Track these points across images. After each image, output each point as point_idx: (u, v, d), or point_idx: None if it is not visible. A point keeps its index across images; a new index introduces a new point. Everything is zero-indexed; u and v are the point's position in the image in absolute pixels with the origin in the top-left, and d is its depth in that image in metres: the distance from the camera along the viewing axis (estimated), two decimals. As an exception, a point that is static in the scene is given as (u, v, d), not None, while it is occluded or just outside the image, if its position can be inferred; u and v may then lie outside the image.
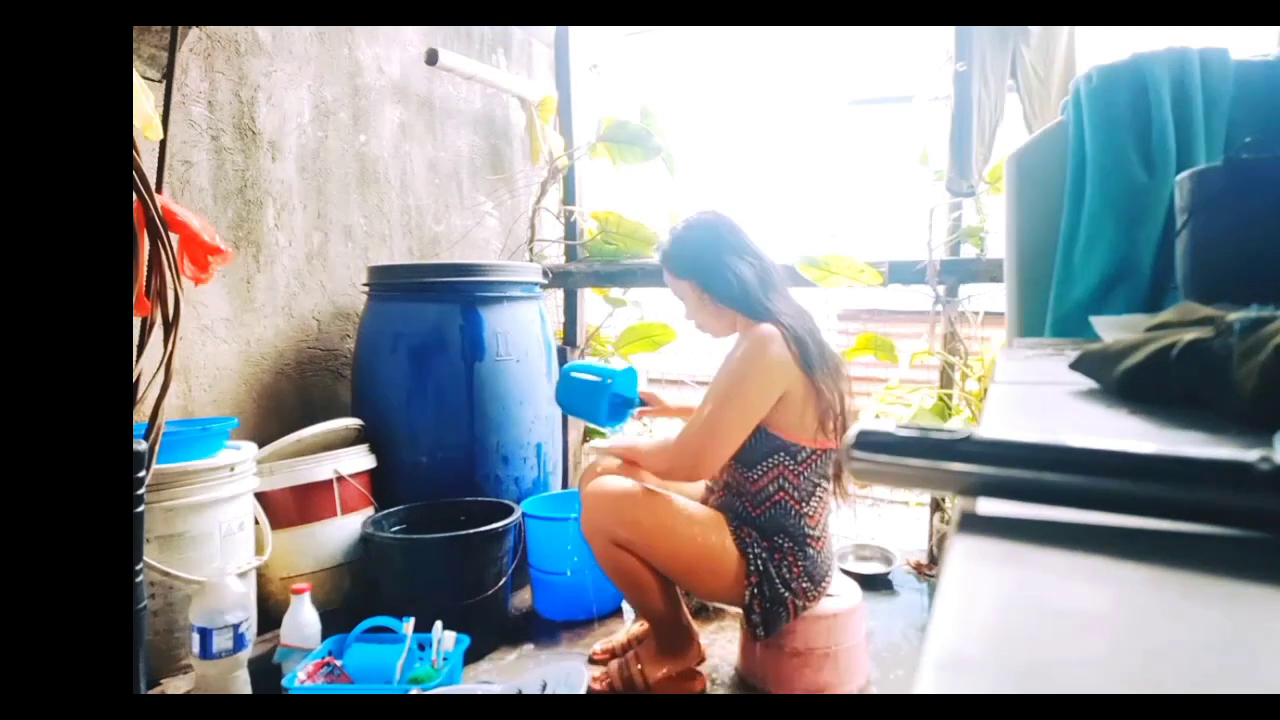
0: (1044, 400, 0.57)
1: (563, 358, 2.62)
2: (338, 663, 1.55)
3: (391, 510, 1.97)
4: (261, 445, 1.86)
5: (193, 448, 1.61)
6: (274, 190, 2.11)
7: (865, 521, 2.75)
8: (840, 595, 1.66)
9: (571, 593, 2.00)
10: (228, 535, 1.63)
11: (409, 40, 2.57)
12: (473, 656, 1.76)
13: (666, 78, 4.18)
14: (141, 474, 1.22)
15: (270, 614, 1.79)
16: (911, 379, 2.89)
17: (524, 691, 1.46)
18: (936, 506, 2.34)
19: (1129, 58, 1.22)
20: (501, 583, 1.89)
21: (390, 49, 2.50)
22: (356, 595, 1.93)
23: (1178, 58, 1.19)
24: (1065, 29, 2.24)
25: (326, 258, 2.29)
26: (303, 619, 1.61)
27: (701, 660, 1.67)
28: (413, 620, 1.61)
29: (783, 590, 1.53)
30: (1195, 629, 0.22)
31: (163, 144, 1.40)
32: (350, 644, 1.58)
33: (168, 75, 1.43)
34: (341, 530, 1.92)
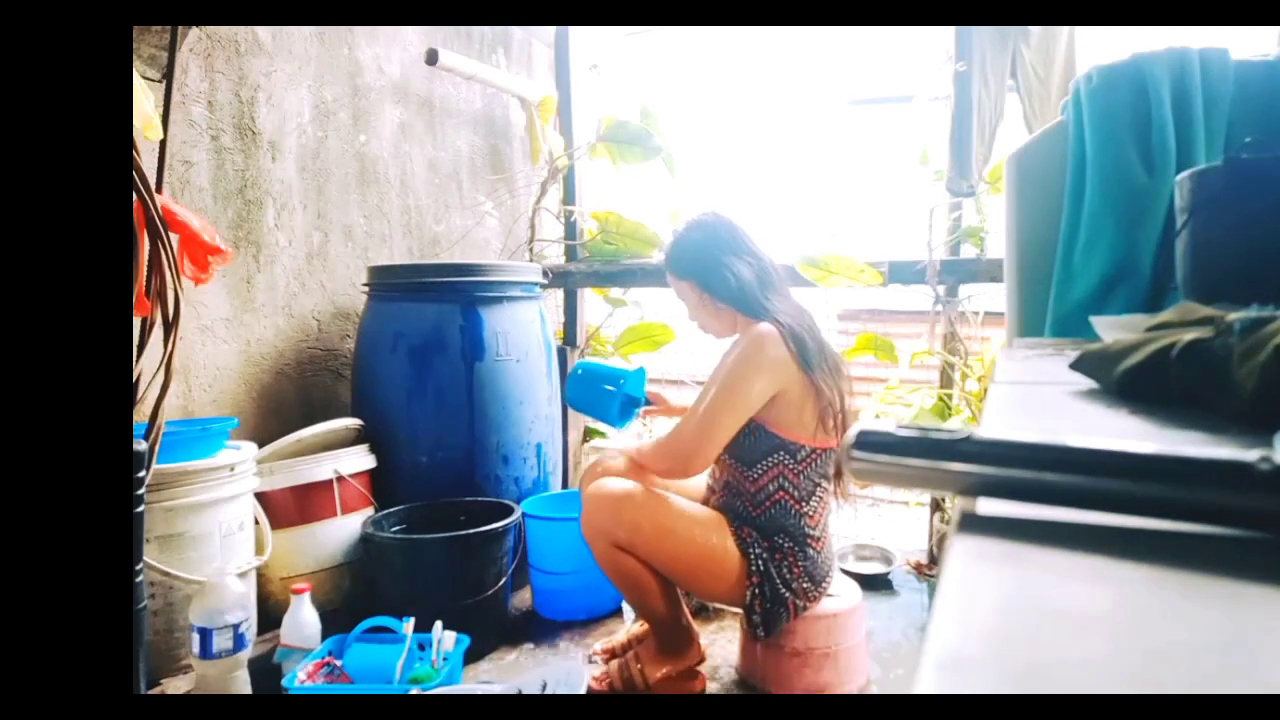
0: (1044, 400, 0.57)
1: (563, 358, 2.61)
2: (338, 663, 1.55)
3: (391, 510, 1.97)
4: (261, 445, 1.86)
5: (193, 448, 1.61)
6: (274, 190, 2.11)
7: (865, 521, 2.75)
8: (840, 595, 1.66)
9: (571, 593, 2.00)
10: (228, 535, 1.63)
11: (409, 40, 2.57)
12: (473, 656, 1.76)
13: (666, 78, 4.18)
14: (141, 474, 1.22)
15: (270, 614, 1.79)
16: (911, 379, 2.89)
17: (524, 691, 1.46)
18: (936, 506, 2.34)
19: (1129, 58, 1.22)
20: (501, 583, 1.89)
21: (390, 49, 2.50)
22: (356, 595, 1.93)
23: (1178, 58, 1.19)
24: (1065, 29, 2.24)
25: (326, 258, 2.29)
26: (303, 619, 1.61)
27: (701, 660, 1.67)
28: (413, 620, 1.61)
29: (783, 590, 1.53)
30: (1195, 629, 0.22)
31: (163, 144, 1.40)
32: (350, 644, 1.58)
33: (168, 75, 1.43)
34: (341, 530, 1.92)
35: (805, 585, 1.55)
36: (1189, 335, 0.50)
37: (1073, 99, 1.28)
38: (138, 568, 1.22)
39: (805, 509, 1.55)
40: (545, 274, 2.45)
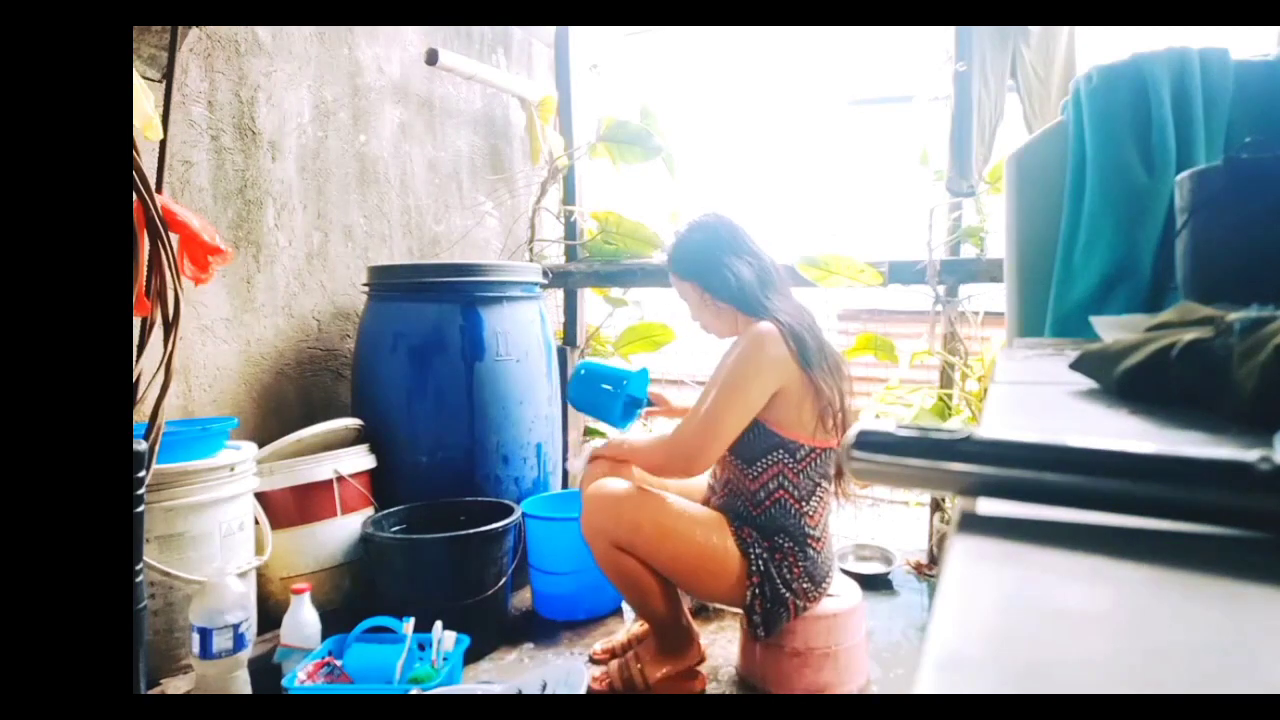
0: (1044, 400, 0.57)
1: (563, 358, 2.61)
2: (338, 663, 1.55)
3: (391, 510, 1.97)
4: (261, 445, 1.86)
5: (193, 448, 1.61)
6: (274, 190, 2.11)
7: (865, 521, 2.75)
8: (840, 595, 1.66)
9: (571, 593, 2.00)
10: (228, 535, 1.63)
11: (409, 40, 2.58)
12: (473, 656, 1.76)
13: (666, 78, 4.18)
14: (141, 474, 1.22)
15: (270, 614, 1.79)
16: (911, 379, 2.89)
17: (524, 691, 1.46)
18: (936, 506, 2.34)
19: (1129, 58, 1.22)
20: (501, 583, 1.89)
21: (390, 49, 2.50)
22: (356, 595, 1.93)
23: (1178, 58, 1.19)
24: (1065, 29, 2.24)
25: (326, 258, 2.29)
26: (303, 619, 1.61)
27: (701, 660, 1.67)
28: (413, 620, 1.61)
29: (784, 591, 1.53)
30: (1195, 629, 0.22)
31: (163, 144, 1.40)
32: (350, 644, 1.58)
33: (168, 75, 1.43)
34: (341, 530, 1.92)
35: (805, 585, 1.55)
36: (1189, 335, 0.50)
37: (1073, 99, 1.28)
38: (138, 568, 1.22)
39: (805, 508, 1.55)
40: (545, 274, 2.45)
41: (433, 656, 1.57)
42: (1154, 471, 0.30)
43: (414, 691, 1.42)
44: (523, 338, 2.17)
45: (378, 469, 2.05)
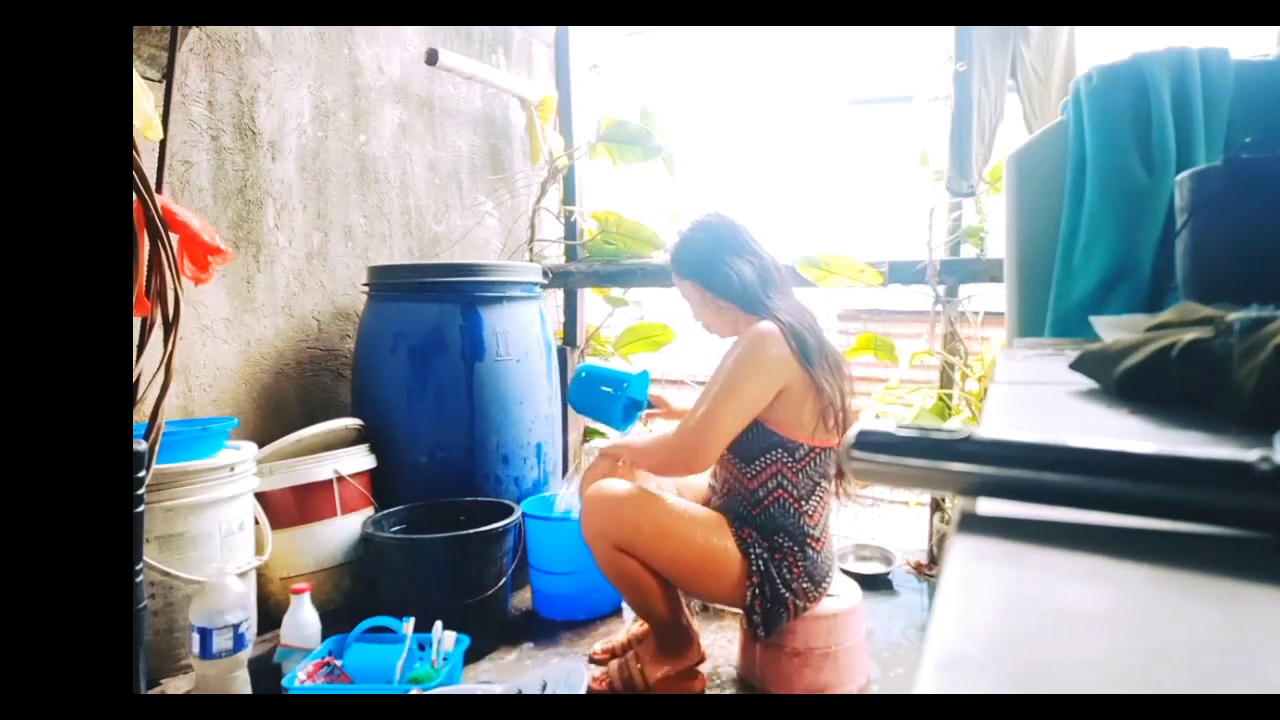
0: (1044, 400, 0.57)
1: (563, 358, 2.61)
2: (338, 663, 1.55)
3: (391, 510, 1.97)
4: (261, 445, 1.86)
5: (193, 448, 1.61)
6: (274, 190, 2.11)
7: (865, 521, 2.75)
8: (840, 595, 1.66)
9: (571, 593, 2.00)
10: (228, 535, 1.63)
11: (409, 40, 2.58)
12: (473, 656, 1.76)
13: (666, 78, 4.17)
14: (141, 474, 1.22)
15: (270, 614, 1.79)
16: (911, 379, 2.89)
17: (524, 691, 1.46)
18: (936, 506, 2.34)
19: (1129, 58, 1.22)
20: (501, 583, 1.89)
21: (390, 49, 2.50)
22: (356, 595, 1.93)
23: (1178, 58, 1.19)
24: (1065, 29, 2.24)
25: (326, 258, 2.29)
26: (303, 619, 1.61)
27: (701, 660, 1.67)
28: (413, 620, 1.61)
29: (784, 591, 1.53)
30: (1195, 629, 0.22)
31: (163, 144, 1.40)
32: (350, 644, 1.58)
33: (168, 75, 1.43)
34: (341, 530, 1.92)
35: (805, 585, 1.55)
36: (1189, 335, 0.50)
37: (1073, 99, 1.28)
38: (138, 568, 1.22)
39: (805, 508, 1.55)
40: (545, 274, 2.45)
41: (433, 656, 1.57)
42: (1154, 471, 0.30)
43: (414, 691, 1.42)
44: (523, 338, 2.17)
45: (378, 469, 2.05)
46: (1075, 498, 0.32)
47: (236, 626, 1.45)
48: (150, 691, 1.48)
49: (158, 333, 1.28)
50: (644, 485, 1.59)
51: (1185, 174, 0.85)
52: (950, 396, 2.32)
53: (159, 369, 1.28)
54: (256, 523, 1.75)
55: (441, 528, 1.85)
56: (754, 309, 1.58)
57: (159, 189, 1.35)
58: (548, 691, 1.47)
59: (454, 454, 2.06)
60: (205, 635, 1.43)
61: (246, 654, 1.49)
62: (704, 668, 1.69)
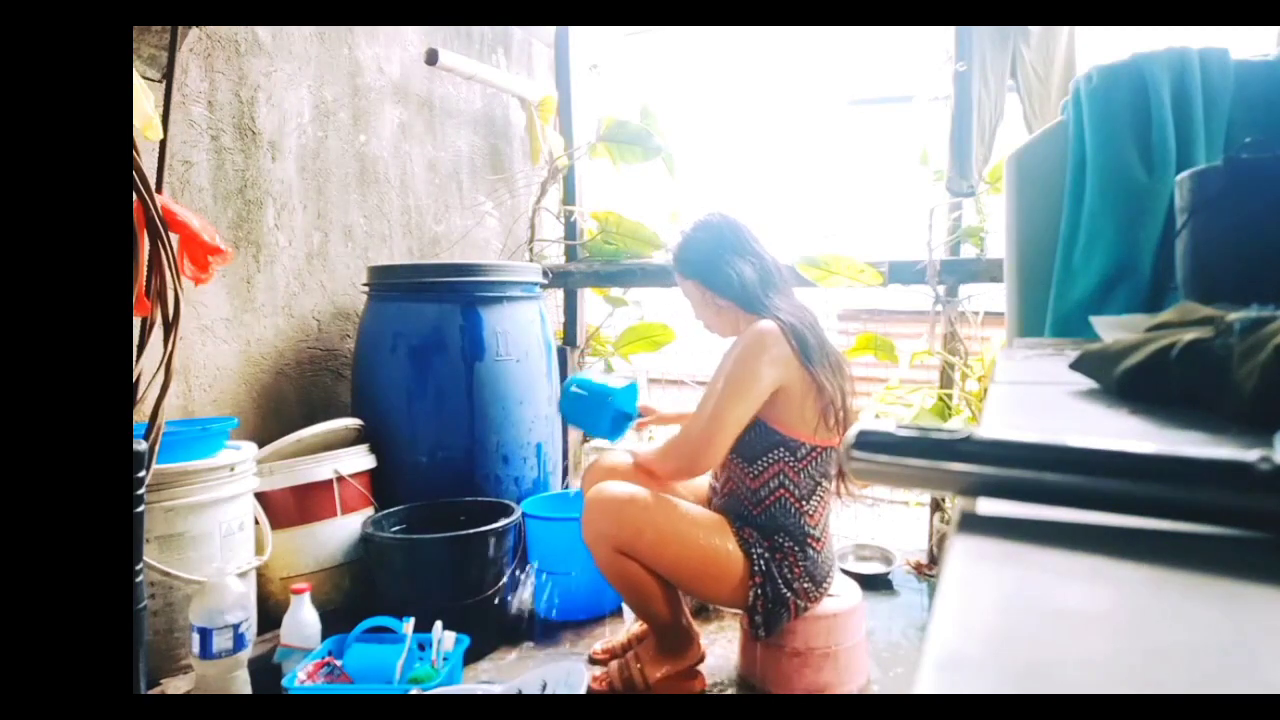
0: (1044, 400, 0.57)
1: (563, 358, 2.61)
2: (338, 663, 1.55)
3: (391, 510, 1.97)
4: (261, 445, 1.86)
5: (193, 448, 1.61)
6: (274, 190, 2.11)
7: (865, 521, 2.75)
8: (840, 595, 1.66)
9: (571, 593, 2.00)
10: (228, 535, 1.63)
11: (409, 40, 2.58)
12: (473, 656, 1.76)
13: (666, 78, 4.18)
14: (141, 474, 1.22)
15: (270, 614, 1.79)
16: (911, 379, 2.89)
17: (524, 691, 1.46)
18: (936, 506, 2.34)
19: (1129, 58, 1.22)
20: (501, 583, 1.89)
21: (390, 49, 2.50)
22: (356, 595, 1.93)
23: (1178, 58, 1.19)
24: (1065, 29, 2.24)
25: (326, 258, 2.29)
26: (303, 619, 1.61)
27: (701, 660, 1.67)
28: (413, 620, 1.61)
29: (785, 591, 1.53)
30: (1195, 629, 0.22)
31: (163, 144, 1.40)
32: (350, 644, 1.58)
33: (168, 75, 1.43)
34: (341, 530, 1.92)
35: (806, 585, 1.55)
36: (1189, 335, 0.50)
37: (1073, 99, 1.28)
38: (138, 568, 1.22)
39: (806, 508, 1.55)
40: (545, 274, 2.45)
41: (433, 656, 1.57)
42: (1154, 471, 0.30)
43: (414, 691, 1.42)
44: (523, 338, 2.17)
45: (378, 469, 2.05)
46: (1075, 498, 0.32)
47: (236, 626, 1.45)
48: (150, 691, 1.48)
49: (158, 333, 1.28)
50: (645, 487, 1.58)
51: (1185, 174, 0.85)
52: (950, 396, 2.32)
53: (159, 369, 1.28)
54: (256, 523, 1.75)
55: (441, 528, 1.85)
56: (754, 308, 1.58)
57: (159, 189, 1.35)
58: (548, 691, 1.47)
59: (454, 454, 2.06)
60: (205, 635, 1.43)
61: (246, 654, 1.49)
62: (704, 668, 1.69)
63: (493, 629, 1.88)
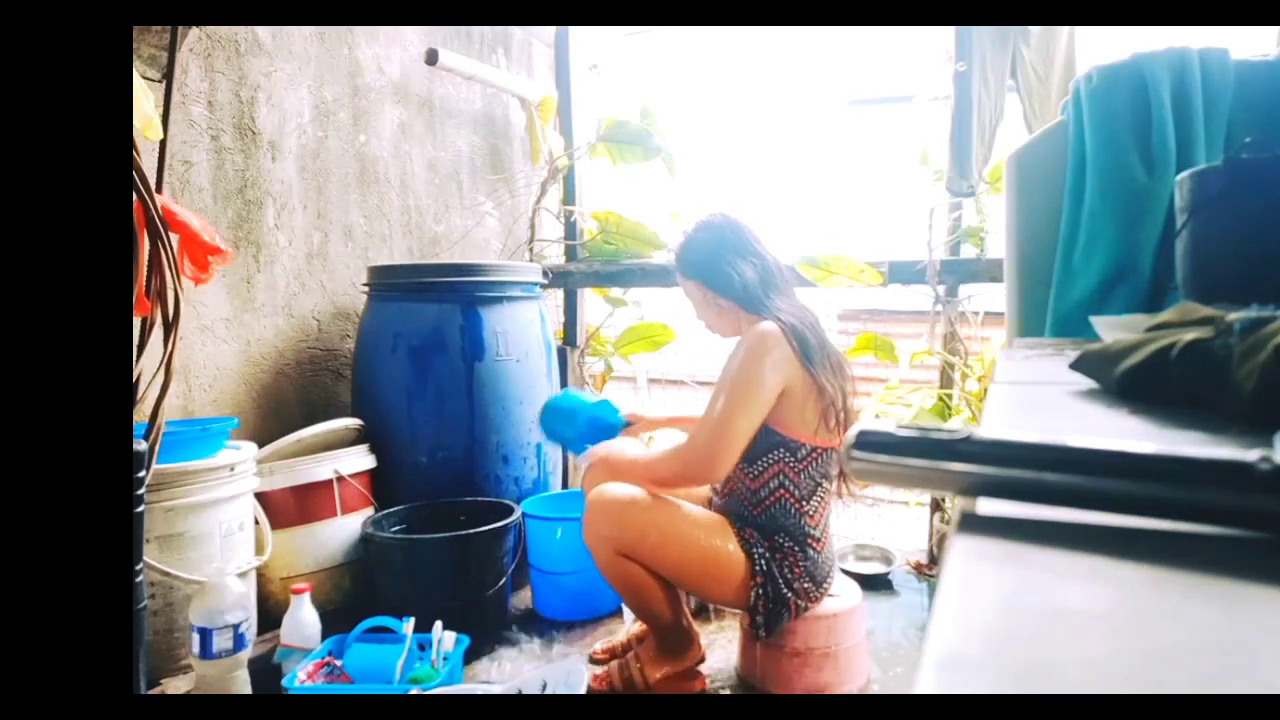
0: (1044, 400, 0.57)
1: (563, 358, 2.61)
2: (338, 663, 1.55)
3: (391, 510, 1.97)
4: (261, 445, 1.86)
5: (193, 448, 1.61)
6: (274, 190, 2.11)
7: (865, 521, 2.75)
8: (840, 595, 1.66)
9: (571, 593, 2.00)
10: (228, 535, 1.63)
11: (409, 40, 2.57)
12: (473, 656, 1.76)
13: (666, 78, 4.18)
14: (141, 474, 1.22)
15: (270, 614, 1.79)
16: (911, 379, 2.89)
17: (524, 691, 1.46)
18: (936, 506, 2.34)
19: (1129, 58, 1.22)
20: (501, 583, 1.89)
21: (390, 49, 2.50)
22: (356, 595, 1.93)
23: (1178, 58, 1.19)
24: (1065, 29, 2.24)
25: (326, 258, 2.29)
26: (303, 619, 1.61)
27: (701, 660, 1.67)
28: (413, 620, 1.61)
29: (785, 591, 1.52)
30: (1195, 629, 0.22)
31: (163, 144, 1.40)
32: (350, 644, 1.57)
33: (168, 75, 1.43)
34: (341, 530, 1.92)
35: (807, 585, 1.54)
36: (1189, 335, 0.50)
37: (1073, 99, 1.28)
38: (138, 568, 1.22)
39: (806, 508, 1.55)
40: (545, 274, 2.45)
41: (433, 656, 1.57)
42: (1154, 471, 0.30)
43: (414, 691, 1.42)
44: (523, 338, 2.17)
45: (378, 469, 2.05)
46: (1075, 498, 0.32)
47: (236, 626, 1.45)
48: (150, 691, 1.48)
49: (158, 333, 1.28)
50: (646, 489, 1.57)
51: (1185, 174, 0.85)
52: (950, 396, 2.32)
53: (159, 369, 1.28)
54: (256, 523, 1.75)
55: (441, 528, 1.85)
56: (755, 309, 1.58)
57: (159, 189, 1.35)
58: (548, 691, 1.47)
59: (454, 454, 2.06)
60: (205, 635, 1.43)
61: (246, 654, 1.49)
62: (704, 668, 1.69)
63: (493, 629, 1.88)
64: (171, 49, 1.45)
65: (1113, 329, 0.72)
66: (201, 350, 1.93)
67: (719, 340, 1.72)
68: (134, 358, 1.25)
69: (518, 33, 3.12)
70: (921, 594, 2.17)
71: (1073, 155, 1.27)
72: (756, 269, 1.60)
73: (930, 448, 0.35)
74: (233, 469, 1.64)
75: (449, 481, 2.05)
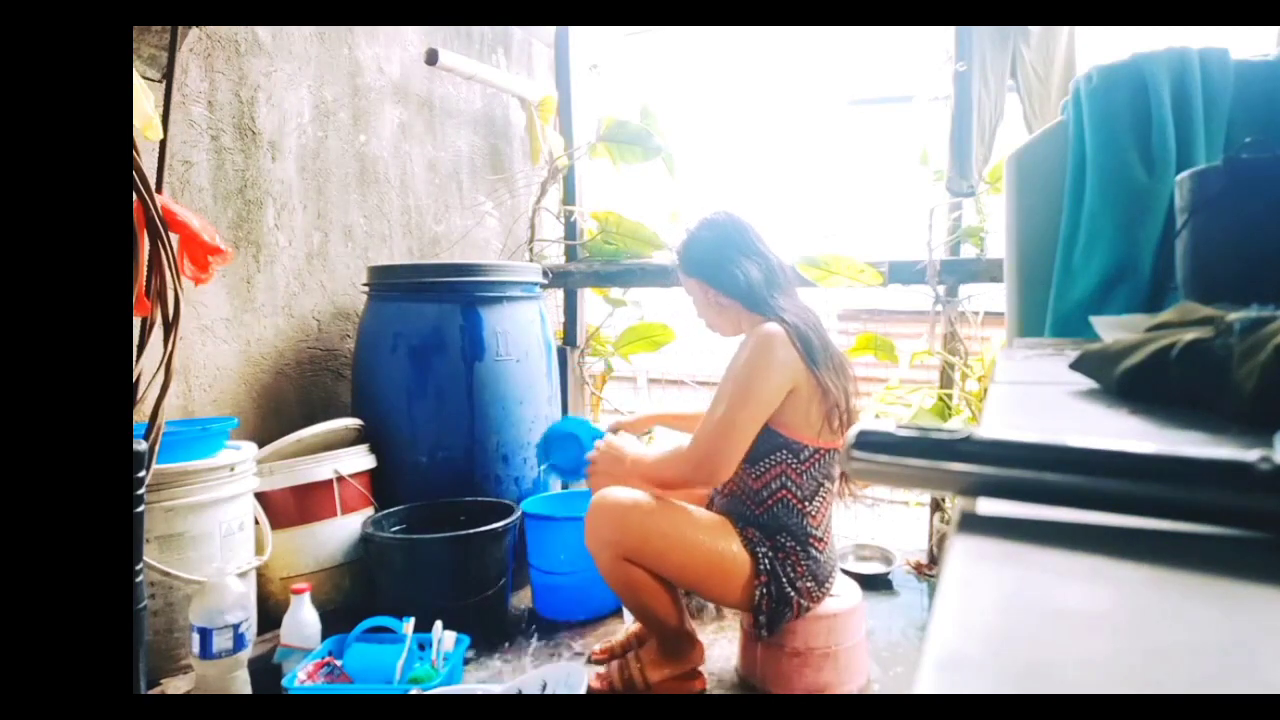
0: (1044, 400, 0.57)
1: (563, 358, 2.61)
2: (338, 663, 1.55)
3: (391, 510, 1.97)
4: (261, 445, 1.86)
5: (193, 448, 1.61)
6: (274, 190, 2.11)
7: (865, 521, 2.75)
8: (840, 595, 1.66)
9: (571, 593, 2.00)
10: (228, 535, 1.63)
11: (409, 40, 2.57)
12: (473, 656, 1.76)
13: (666, 78, 4.18)
14: (141, 474, 1.22)
15: (270, 614, 1.79)
16: (911, 379, 2.89)
17: (524, 691, 1.46)
18: (936, 506, 2.34)
19: (1129, 58, 1.22)
20: (501, 583, 1.89)
21: (390, 49, 2.50)
22: (356, 595, 1.93)
23: (1178, 58, 1.19)
24: (1065, 29, 2.24)
25: (326, 258, 2.29)
26: (303, 619, 1.61)
27: (702, 660, 1.67)
28: (413, 620, 1.61)
29: (789, 590, 1.52)
30: (1195, 629, 0.22)
31: (163, 144, 1.40)
32: (350, 644, 1.58)
33: (168, 75, 1.43)
34: (341, 530, 1.92)
35: (809, 585, 1.54)
36: (1189, 335, 0.50)
37: (1073, 99, 1.28)
38: (138, 568, 1.22)
39: (808, 508, 1.55)
40: (545, 274, 2.45)
41: (433, 656, 1.57)
42: (1154, 471, 0.30)
43: (414, 691, 1.42)
44: (523, 338, 2.17)
45: (378, 469, 2.05)
46: (1075, 498, 0.32)
47: (236, 626, 1.45)
48: (150, 691, 1.48)
49: (158, 333, 1.28)
50: (648, 491, 1.57)
51: (1185, 174, 0.85)
52: (950, 396, 2.32)
53: (159, 369, 1.28)
54: (256, 523, 1.75)
55: (441, 528, 1.85)
56: (758, 309, 1.57)
57: (159, 189, 1.35)
58: (548, 691, 1.47)
59: (454, 454, 2.06)
60: (205, 635, 1.43)
61: (246, 654, 1.49)
62: (704, 668, 1.69)
63: (493, 629, 1.88)
64: (171, 49, 1.45)
65: (1113, 329, 0.72)
66: (201, 350, 1.93)
67: (719, 340, 1.72)
68: (134, 358, 1.25)
69: (518, 33, 3.12)
70: (921, 594, 2.17)
71: (1073, 155, 1.27)
72: (760, 268, 1.59)
73: (930, 448, 0.35)
74: (233, 469, 1.64)
75: (449, 481, 2.05)
